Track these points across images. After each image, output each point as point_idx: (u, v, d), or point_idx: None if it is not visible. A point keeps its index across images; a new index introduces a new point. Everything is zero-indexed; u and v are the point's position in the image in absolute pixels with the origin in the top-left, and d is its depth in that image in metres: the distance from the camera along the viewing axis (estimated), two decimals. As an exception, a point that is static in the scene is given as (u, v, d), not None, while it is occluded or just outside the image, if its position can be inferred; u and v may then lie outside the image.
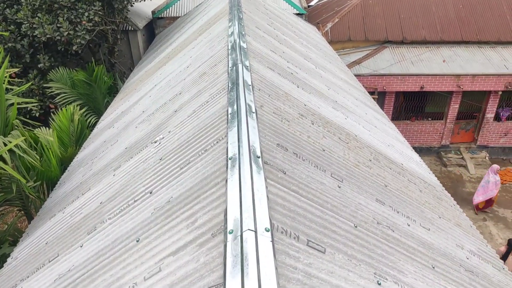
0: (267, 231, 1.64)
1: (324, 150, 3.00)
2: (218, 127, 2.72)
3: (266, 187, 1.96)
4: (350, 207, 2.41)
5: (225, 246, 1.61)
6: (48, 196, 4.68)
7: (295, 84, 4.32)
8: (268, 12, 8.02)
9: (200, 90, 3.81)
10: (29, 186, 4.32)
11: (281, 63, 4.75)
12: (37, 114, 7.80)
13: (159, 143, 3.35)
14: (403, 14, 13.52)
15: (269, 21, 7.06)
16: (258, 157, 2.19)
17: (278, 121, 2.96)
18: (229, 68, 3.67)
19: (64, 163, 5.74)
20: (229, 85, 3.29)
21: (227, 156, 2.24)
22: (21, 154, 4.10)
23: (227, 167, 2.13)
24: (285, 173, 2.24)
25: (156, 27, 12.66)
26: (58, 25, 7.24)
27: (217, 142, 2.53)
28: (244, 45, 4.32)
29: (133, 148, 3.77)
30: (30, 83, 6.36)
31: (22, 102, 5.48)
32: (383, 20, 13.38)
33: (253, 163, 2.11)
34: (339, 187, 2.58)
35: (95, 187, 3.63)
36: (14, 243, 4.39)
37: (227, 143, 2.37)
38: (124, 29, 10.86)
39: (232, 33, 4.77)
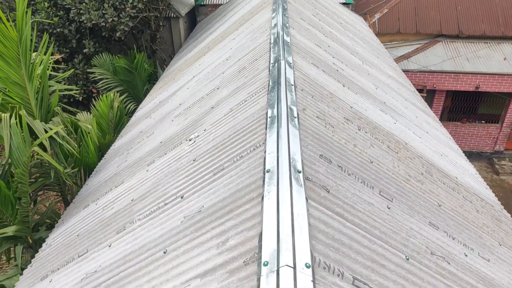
0: (308, 267, 1.41)
1: (372, 162, 2.70)
2: (256, 131, 2.51)
3: (307, 210, 1.73)
4: (400, 233, 2.11)
5: (259, 279, 1.41)
6: (84, 183, 4.75)
7: (341, 82, 3.99)
8: (314, 2, 7.60)
9: (238, 86, 3.61)
10: (66, 172, 4.39)
11: (326, 58, 4.42)
12: (80, 98, 8.01)
13: (194, 141, 3.21)
14: (460, 6, 12.41)
15: (314, 11, 6.66)
16: (299, 172, 1.96)
17: (321, 127, 2.70)
18: (271, 65, 3.42)
19: (102, 149, 5.82)
20: (270, 83, 3.05)
21: (264, 168, 2.02)
22: (61, 142, 4.14)
23: (263, 181, 1.92)
24: (328, 192, 1.99)
25: (198, 14, 12.59)
26: (103, 11, 7.32)
27: (254, 149, 2.32)
28: (288, 39, 4.04)
29: (168, 144, 3.67)
30: (72, 70, 6.49)
31: (64, 89, 5.58)
32: (437, 11, 12.39)
33: (293, 179, 1.88)
34: (389, 208, 2.28)
35: (128, 180, 3.58)
36: (51, 227, 4.51)
37: (265, 152, 2.15)
38: (166, 15, 10.88)
39: (276, 25, 4.50)
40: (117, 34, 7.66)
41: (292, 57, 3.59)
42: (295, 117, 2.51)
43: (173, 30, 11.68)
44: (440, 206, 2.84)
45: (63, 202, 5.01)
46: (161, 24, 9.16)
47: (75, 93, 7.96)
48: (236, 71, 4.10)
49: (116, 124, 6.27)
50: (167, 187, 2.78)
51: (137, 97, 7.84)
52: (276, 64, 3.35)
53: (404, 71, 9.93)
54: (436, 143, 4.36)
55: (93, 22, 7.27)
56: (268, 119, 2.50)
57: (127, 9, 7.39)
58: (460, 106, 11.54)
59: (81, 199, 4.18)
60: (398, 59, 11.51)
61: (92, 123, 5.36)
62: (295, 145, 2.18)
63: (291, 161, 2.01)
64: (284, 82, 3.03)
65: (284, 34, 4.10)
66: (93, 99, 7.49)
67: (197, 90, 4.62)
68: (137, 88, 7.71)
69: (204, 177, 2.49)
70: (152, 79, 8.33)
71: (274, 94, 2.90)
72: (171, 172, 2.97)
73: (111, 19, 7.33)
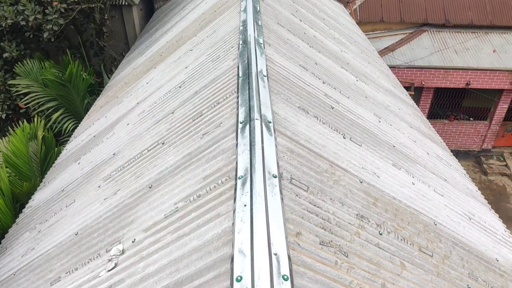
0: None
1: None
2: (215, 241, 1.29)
3: None
4: None
5: None
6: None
7: (340, 133, 2.79)
8: (291, -7, 6.24)
9: (191, 153, 2.33)
10: None
11: (316, 90, 3.19)
12: (3, 116, 6.38)
13: (115, 264, 1.94)
14: (445, -10, 11.40)
15: (293, 7, 5.35)
16: None
17: (320, 230, 1.52)
18: (239, 124, 2.16)
19: (22, 200, 4.40)
20: (239, 166, 1.82)
21: None
22: None
23: None
24: None
25: (156, 0, 10.86)
26: (21, 6, 5.65)
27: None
28: (263, 68, 2.77)
29: (82, 245, 2.37)
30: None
31: None
32: (422, -3, 11.32)
33: None
34: None
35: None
36: None
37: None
38: (118, 3, 9.14)
39: (245, 41, 3.19)
40: (45, 35, 6.01)
41: (271, 107, 2.34)
42: (281, 219, 1.31)
43: (125, 21, 9.93)
44: None
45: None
46: (106, 17, 7.50)
47: (-3, 109, 6.32)
48: (189, 117, 2.80)
49: (42, 161, 4.82)
50: None
51: (77, 113, 6.32)
52: (248, 126, 2.10)
53: (390, 67, 8.87)
54: (468, 207, 3.30)
55: (9, 21, 5.60)
56: (237, 224, 1.32)
57: (55, 3, 5.74)
58: (444, 102, 10.73)
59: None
60: (382, 52, 10.44)
61: (1, 170, 3.91)
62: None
63: None
64: (261, 167, 1.80)
65: (257, 60, 2.82)
66: (17, 121, 5.93)
67: (137, 135, 3.28)
68: (74, 104, 6.18)
69: None
70: (95, 88, 6.78)
71: (246, 187, 1.69)
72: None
73: (33, 16, 5.68)
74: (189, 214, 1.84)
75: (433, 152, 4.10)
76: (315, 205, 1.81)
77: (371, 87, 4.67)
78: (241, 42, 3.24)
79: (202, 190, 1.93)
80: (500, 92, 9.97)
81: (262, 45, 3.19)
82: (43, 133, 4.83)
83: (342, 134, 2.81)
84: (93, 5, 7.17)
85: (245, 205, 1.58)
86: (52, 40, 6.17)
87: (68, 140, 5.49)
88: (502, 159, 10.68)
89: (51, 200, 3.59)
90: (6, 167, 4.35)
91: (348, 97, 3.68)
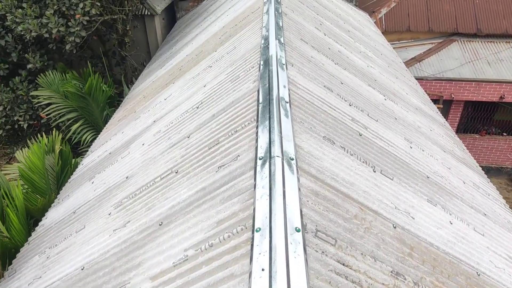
0: None
1: None
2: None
3: None
4: None
5: None
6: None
7: (370, 165, 2.54)
8: (315, 4, 6.03)
9: (204, 188, 2.14)
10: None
11: (342, 115, 2.95)
12: (25, 126, 6.44)
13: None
14: (478, 0, 10.87)
15: (317, 21, 5.12)
16: None
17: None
18: (259, 161, 1.95)
19: (36, 215, 4.35)
20: (257, 214, 1.61)
21: None
22: None
23: None
24: None
25: (178, 10, 10.89)
26: (45, 19, 5.68)
27: None
28: (285, 94, 2.55)
29: (90, 273, 2.22)
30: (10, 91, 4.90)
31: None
32: (452, 6, 10.83)
33: None
34: None
35: None
36: None
37: None
38: (140, 13, 9.19)
39: (266, 61, 2.99)
40: (67, 47, 6.02)
41: (293, 140, 2.12)
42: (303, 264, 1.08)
43: (148, 30, 9.99)
44: None
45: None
46: (128, 28, 7.50)
47: (19, 118, 6.38)
48: (205, 144, 2.62)
49: (58, 175, 4.77)
50: None
51: (96, 124, 6.30)
52: (268, 165, 1.88)
53: (417, 79, 8.46)
54: (507, 239, 2.95)
55: (33, 33, 5.64)
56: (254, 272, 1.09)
57: (77, 16, 5.75)
58: (475, 116, 10.16)
59: None
60: (409, 62, 10.02)
61: (17, 187, 3.86)
62: None
63: None
64: (282, 218, 1.58)
65: (279, 86, 2.60)
66: (39, 131, 5.95)
67: (152, 158, 3.13)
68: (93, 115, 6.16)
69: None
70: (115, 100, 6.75)
71: (265, 247, 1.47)
72: None
73: (56, 29, 5.69)
74: (200, 268, 1.64)
75: (469, 180, 3.75)
76: (344, 264, 1.57)
77: (400, 106, 4.37)
78: (262, 62, 3.04)
79: (215, 238, 1.73)
80: (537, 106, 9.34)
81: (285, 65, 2.98)
82: (61, 146, 4.78)
83: (372, 167, 2.55)
84: (116, 17, 7.19)
85: (263, 269, 1.36)
86: (74, 51, 6.18)
87: (87, 150, 5.45)
88: (538, 177, 9.98)
89: (62, 222, 3.49)
90: (22, 183, 4.31)
91: (377, 120, 3.41)
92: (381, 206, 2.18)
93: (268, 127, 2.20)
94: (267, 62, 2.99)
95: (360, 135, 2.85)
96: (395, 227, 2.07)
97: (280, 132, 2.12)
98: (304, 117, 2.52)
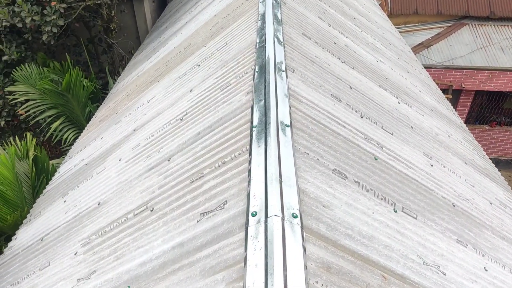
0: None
1: None
2: None
3: None
4: None
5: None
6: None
7: (389, 202, 2.06)
8: (318, -12, 5.38)
9: (183, 243, 1.68)
10: None
11: (354, 133, 2.45)
12: (2, 123, 5.91)
13: None
14: (490, -23, 10.11)
15: (320, 9, 4.52)
16: None
17: None
18: (251, 212, 1.48)
19: (7, 232, 3.91)
20: (250, 271, 1.15)
21: None
22: None
23: None
24: None
25: (169, -9, 10.13)
26: (17, 7, 5.06)
27: None
28: (285, 115, 2.05)
29: None
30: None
31: None
32: (464, -14, 10.09)
33: None
34: None
35: None
36: None
37: None
38: (127, -4, 8.48)
39: (262, 67, 2.47)
40: (44, 38, 5.42)
41: (296, 184, 1.63)
42: None
43: (136, 15, 9.28)
44: None
45: None
46: (113, 14, 6.84)
47: (-5, 116, 5.85)
48: (187, 175, 2.14)
49: (33, 183, 4.29)
50: None
51: (78, 122, 5.77)
52: (263, 228, 1.41)
53: (426, 67, 7.89)
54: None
55: (5, 23, 5.03)
56: None
57: (53, 3, 5.11)
58: (486, 105, 9.64)
59: None
60: (416, 48, 9.41)
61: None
62: None
63: None
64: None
65: (278, 104, 2.09)
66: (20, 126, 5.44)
67: (127, 182, 2.65)
68: (75, 112, 5.62)
69: None
70: (99, 94, 6.18)
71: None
72: None
73: (30, 18, 5.08)
74: None
75: (495, 198, 3.30)
76: None
77: (415, 110, 3.86)
78: (257, 68, 2.51)
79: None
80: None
81: (284, 73, 2.45)
82: (35, 152, 4.29)
83: (392, 204, 2.07)
84: (99, 1, 6.53)
85: None
86: (52, 42, 5.58)
87: (69, 149, 4.97)
88: (548, 170, 9.57)
89: (29, 249, 3.04)
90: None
91: (392, 134, 2.91)
92: (407, 265, 1.72)
93: (264, 165, 1.71)
94: (263, 69, 2.46)
95: (376, 159, 2.36)
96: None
97: (280, 175, 1.63)
98: (309, 144, 2.02)
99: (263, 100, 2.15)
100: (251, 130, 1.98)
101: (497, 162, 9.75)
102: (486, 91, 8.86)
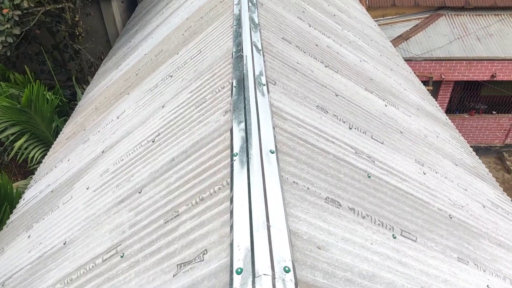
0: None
1: None
2: None
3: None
4: None
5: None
6: None
7: (387, 227, 1.87)
8: (294, -16, 5.14)
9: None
10: None
11: (344, 149, 2.24)
12: (-39, 144, 5.43)
13: None
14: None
15: (299, 8, 4.29)
16: None
17: None
18: (236, 265, 1.24)
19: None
20: None
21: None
22: None
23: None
24: None
25: (139, -9, 9.67)
26: (-36, 16, 4.60)
27: None
28: (270, 140, 1.81)
29: None
30: None
31: None
32: (438, -24, 10.08)
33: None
34: None
35: None
36: None
37: None
38: (93, -2, 7.99)
39: (240, 81, 2.21)
40: (-1, 49, 4.97)
41: (286, 222, 1.41)
42: None
43: (105, 17, 8.80)
44: None
45: None
46: (77, 18, 6.40)
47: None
48: (160, 213, 1.87)
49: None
50: None
51: (45, 138, 5.35)
52: (251, 284, 1.17)
53: (406, 60, 7.80)
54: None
55: (-49, 33, 4.56)
56: None
57: (5, 10, 4.67)
58: (464, 95, 9.70)
59: None
60: (395, 41, 9.34)
61: None
62: None
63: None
64: None
65: (260, 127, 1.85)
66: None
67: (95, 218, 2.35)
68: (40, 129, 5.20)
69: None
70: (66, 107, 5.76)
71: None
72: None
73: (-20, 27, 4.63)
74: None
75: (487, 200, 3.18)
76: None
77: (402, 111, 3.70)
78: (234, 82, 2.26)
79: None
80: (527, 82, 8.94)
81: (265, 87, 2.21)
82: (-4, 179, 3.90)
83: (390, 229, 1.88)
84: (61, 6, 6.07)
85: None
86: (9, 53, 5.12)
87: (38, 167, 4.59)
88: (527, 155, 9.75)
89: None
90: None
91: (382, 143, 2.72)
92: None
93: (248, 205, 1.47)
94: (241, 83, 2.21)
95: (369, 176, 2.16)
96: None
97: (267, 219, 1.40)
98: (298, 170, 1.79)
99: (243, 122, 1.90)
100: (232, 160, 1.74)
101: (477, 150, 9.86)
102: (464, 81, 8.90)
